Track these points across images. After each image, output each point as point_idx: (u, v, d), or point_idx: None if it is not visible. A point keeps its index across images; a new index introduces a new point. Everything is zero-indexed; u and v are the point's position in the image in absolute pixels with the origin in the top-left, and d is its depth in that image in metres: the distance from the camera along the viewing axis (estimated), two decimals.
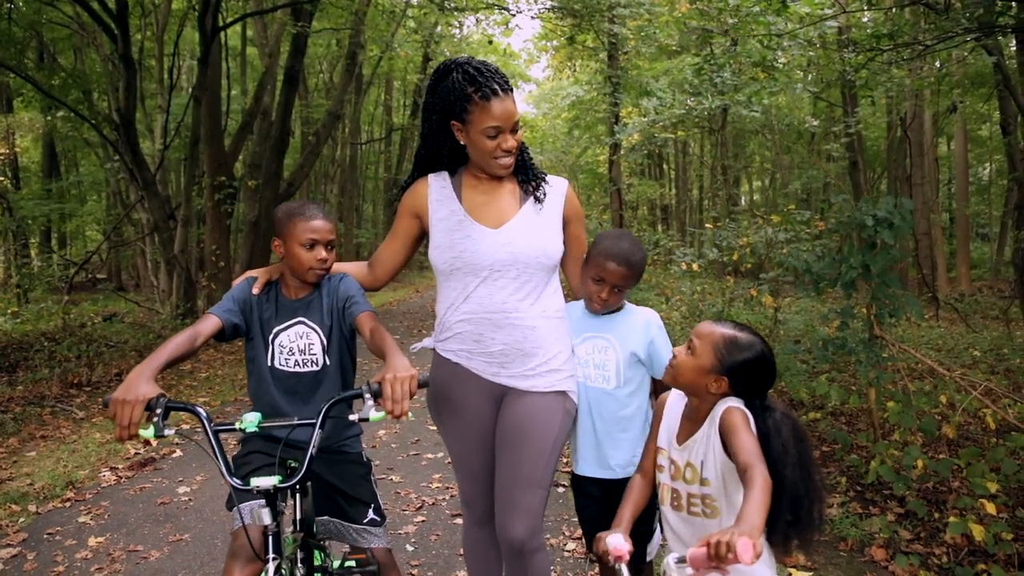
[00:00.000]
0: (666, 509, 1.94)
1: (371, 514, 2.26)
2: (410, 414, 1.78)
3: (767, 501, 1.51)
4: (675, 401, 2.00)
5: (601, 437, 2.30)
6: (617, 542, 1.71)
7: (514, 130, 2.16)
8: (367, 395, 1.80)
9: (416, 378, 1.78)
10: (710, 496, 1.82)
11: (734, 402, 1.80)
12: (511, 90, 2.17)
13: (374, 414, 1.78)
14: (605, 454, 2.30)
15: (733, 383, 1.81)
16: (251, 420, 1.87)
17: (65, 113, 12.57)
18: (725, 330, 1.84)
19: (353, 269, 2.40)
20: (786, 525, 1.67)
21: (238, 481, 1.78)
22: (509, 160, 2.20)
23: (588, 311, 2.35)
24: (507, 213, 2.24)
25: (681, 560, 1.45)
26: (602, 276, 2.23)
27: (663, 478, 1.95)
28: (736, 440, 1.69)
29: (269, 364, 2.21)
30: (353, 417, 1.81)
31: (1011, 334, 9.08)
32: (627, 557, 1.70)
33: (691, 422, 1.89)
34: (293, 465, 2.09)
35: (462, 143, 2.22)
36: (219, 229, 12.30)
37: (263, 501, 1.81)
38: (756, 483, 1.54)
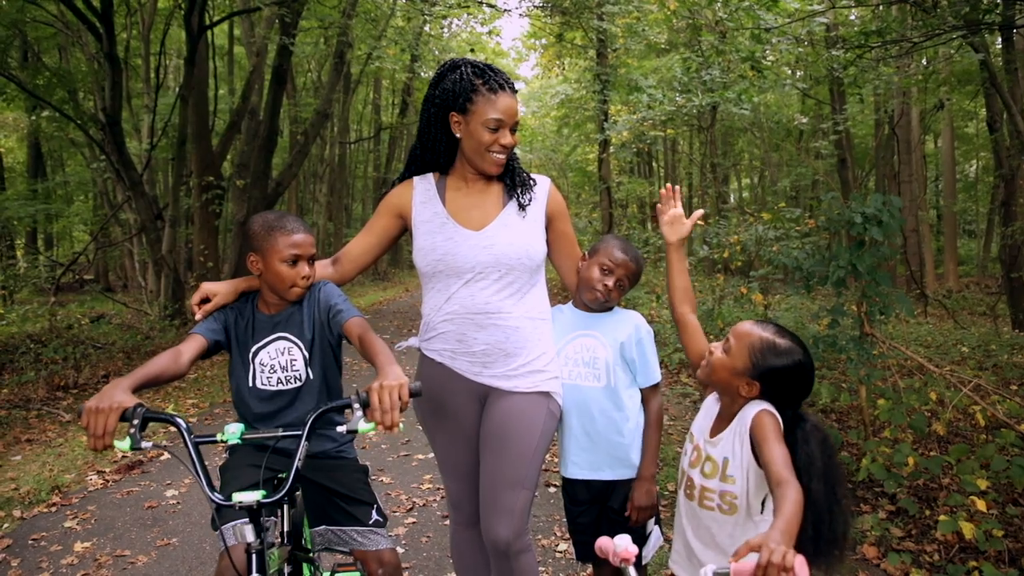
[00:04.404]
0: (680, 494, 1.93)
1: (375, 514, 2.20)
2: (401, 425, 1.68)
3: (799, 517, 1.46)
4: (714, 397, 1.98)
5: (593, 438, 2.28)
6: (625, 543, 1.69)
7: (513, 129, 2.18)
8: (355, 405, 1.72)
9: (407, 386, 1.69)
10: (731, 493, 1.79)
11: (766, 405, 1.76)
12: (515, 91, 2.21)
13: (363, 425, 1.69)
14: (597, 456, 2.29)
15: (765, 388, 1.76)
16: (233, 432, 1.78)
17: (50, 113, 12.44)
18: (764, 334, 1.78)
19: (316, 270, 2.25)
20: (809, 542, 1.62)
21: (219, 496, 1.68)
22: (502, 158, 2.19)
23: (584, 302, 2.34)
24: (489, 215, 2.23)
25: (722, 572, 1.37)
26: (613, 267, 2.25)
27: (683, 463, 1.93)
28: (768, 449, 1.64)
29: (250, 384, 2.13)
30: (341, 429, 1.73)
31: (999, 330, 9.13)
32: (633, 559, 1.68)
33: (722, 420, 1.87)
34: (283, 476, 2.03)
35: (458, 136, 2.21)
36: (207, 229, 12.22)
37: (246, 518, 1.70)
38: (789, 498, 1.49)
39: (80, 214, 21.69)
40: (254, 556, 1.68)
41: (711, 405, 1.96)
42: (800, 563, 1.29)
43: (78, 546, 3.88)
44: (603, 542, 1.69)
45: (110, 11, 9.86)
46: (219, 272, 12.47)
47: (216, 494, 1.68)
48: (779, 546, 1.31)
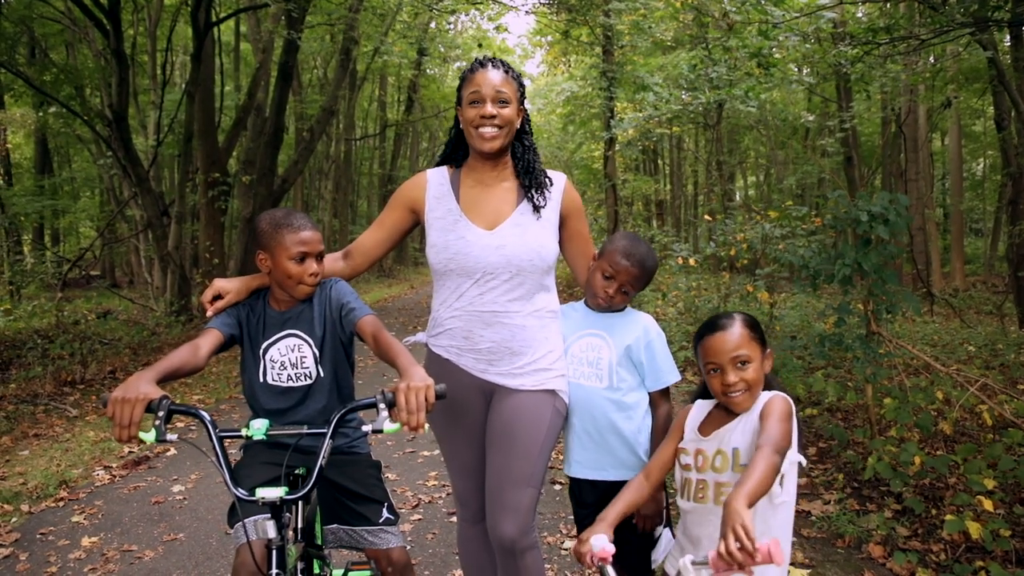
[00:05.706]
0: (687, 505, 1.89)
1: (386, 513, 2.21)
2: (426, 427, 1.69)
3: (766, 474, 1.53)
4: (698, 408, 1.98)
5: (594, 438, 2.26)
6: (601, 543, 1.67)
7: (501, 102, 2.16)
8: (381, 405, 1.73)
9: (432, 388, 1.70)
10: None
11: (777, 392, 1.83)
12: (502, 66, 2.20)
13: (388, 425, 1.69)
14: (599, 456, 2.26)
15: (762, 342, 1.89)
16: (258, 427, 1.78)
17: (57, 109, 12.52)
18: (724, 330, 1.85)
19: (327, 264, 2.26)
20: None
21: (243, 492, 1.69)
22: (490, 132, 2.16)
23: (589, 306, 2.33)
24: (502, 214, 2.22)
25: (700, 562, 1.39)
26: (614, 273, 2.22)
27: (689, 474, 1.90)
28: (768, 425, 1.70)
29: (261, 380, 2.13)
30: (366, 428, 1.75)
31: (1005, 329, 9.08)
32: (610, 558, 1.67)
33: (725, 416, 1.88)
34: (299, 472, 2.04)
35: (461, 128, 2.27)
36: (213, 225, 12.25)
37: (267, 514, 1.72)
38: (757, 461, 1.56)
39: (87, 210, 21.79)
40: (274, 552, 1.69)
41: (695, 415, 1.96)
42: (775, 549, 1.31)
43: (85, 541, 3.90)
44: (578, 546, 1.68)
45: (117, 8, 9.89)
46: (225, 268, 12.50)
47: (239, 489, 1.69)
48: (729, 536, 1.34)
